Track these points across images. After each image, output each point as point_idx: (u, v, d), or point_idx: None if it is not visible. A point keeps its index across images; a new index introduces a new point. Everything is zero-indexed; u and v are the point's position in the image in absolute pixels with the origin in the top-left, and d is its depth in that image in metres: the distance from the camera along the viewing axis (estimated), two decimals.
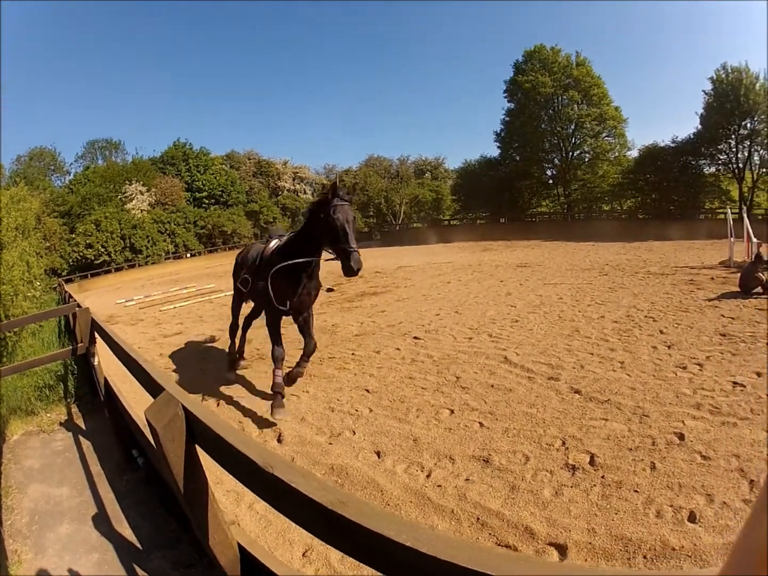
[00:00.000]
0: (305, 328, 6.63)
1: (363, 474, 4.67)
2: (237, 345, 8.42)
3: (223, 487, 4.33)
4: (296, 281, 6.00)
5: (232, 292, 8.42)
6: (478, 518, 3.87)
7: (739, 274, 12.72)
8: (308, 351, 6.59)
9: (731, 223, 17.50)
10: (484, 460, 4.72)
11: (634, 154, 45.89)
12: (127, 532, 3.66)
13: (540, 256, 25.21)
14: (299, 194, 61.23)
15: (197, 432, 2.25)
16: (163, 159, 56.50)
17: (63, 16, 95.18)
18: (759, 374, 6.47)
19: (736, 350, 7.54)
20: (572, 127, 46.59)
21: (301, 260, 5.78)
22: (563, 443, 4.94)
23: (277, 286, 6.00)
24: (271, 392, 6.18)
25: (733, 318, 9.59)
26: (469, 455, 4.85)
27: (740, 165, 39.80)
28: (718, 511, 3.72)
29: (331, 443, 5.37)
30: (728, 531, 3.50)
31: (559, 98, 46.58)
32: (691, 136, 41.38)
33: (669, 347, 7.86)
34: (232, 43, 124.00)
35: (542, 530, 3.65)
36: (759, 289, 11.79)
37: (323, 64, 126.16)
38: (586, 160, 47.36)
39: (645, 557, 3.32)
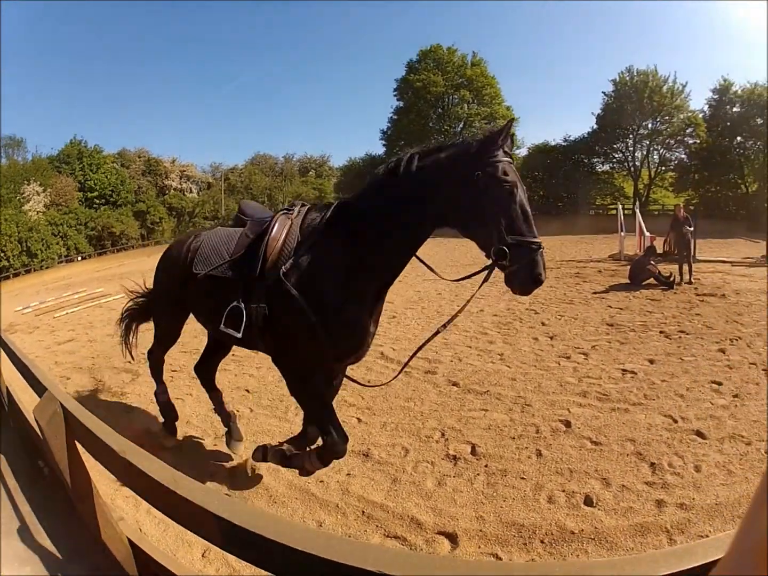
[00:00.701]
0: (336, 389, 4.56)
1: (248, 473, 4.65)
2: (214, 397, 5.48)
3: (122, 493, 4.24)
4: (376, 304, 3.87)
5: (154, 308, 5.47)
6: (363, 511, 3.91)
7: (629, 267, 13.80)
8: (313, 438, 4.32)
9: (622, 217, 18.94)
10: (364, 455, 4.75)
11: (523, 152, 48.36)
12: (47, 543, 3.58)
13: (421, 253, 25.47)
14: (185, 193, 60.71)
15: (73, 427, 2.59)
16: (59, 157, 54.76)
17: None
18: (652, 361, 6.94)
19: (625, 339, 8.07)
20: (461, 125, 48.54)
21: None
22: (443, 435, 5.09)
23: (345, 316, 3.48)
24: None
25: (621, 308, 10.31)
26: (348, 450, 4.83)
27: (636, 163, 44.10)
28: (617, 494, 3.94)
29: (215, 444, 5.31)
30: (633, 513, 3.71)
31: (450, 97, 48.79)
32: (585, 135, 45.20)
33: (551, 338, 8.30)
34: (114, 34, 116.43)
35: (429, 520, 3.71)
36: (651, 280, 12.81)
37: (207, 58, 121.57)
38: None
39: (542, 542, 3.43)
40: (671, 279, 12.82)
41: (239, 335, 3.55)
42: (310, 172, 65.82)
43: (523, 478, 4.23)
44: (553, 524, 3.60)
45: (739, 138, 43.19)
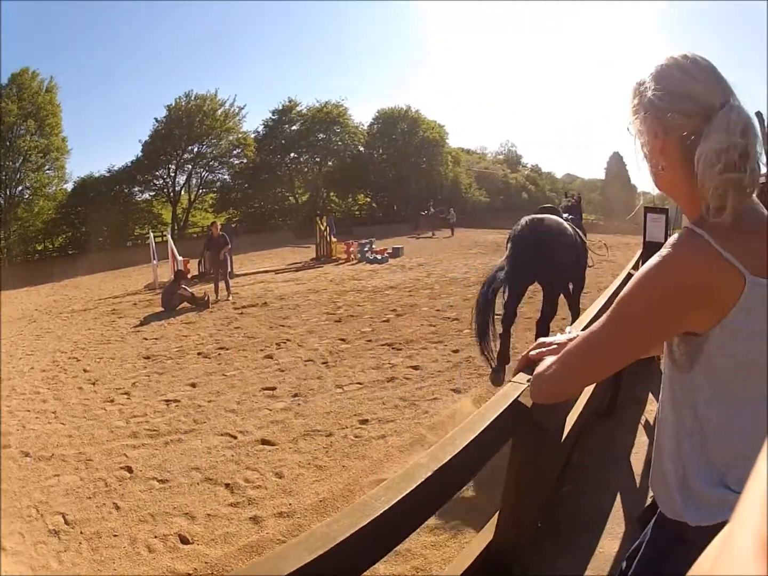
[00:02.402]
0: None
1: None
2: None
3: None
4: None
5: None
6: None
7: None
8: None
9: (153, 245, 18.87)
10: None
11: (71, 186, 44.59)
12: None
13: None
14: None
15: None
16: None
17: None
18: (194, 385, 7.16)
19: (162, 369, 8.17)
20: (20, 160, 42.28)
21: None
22: (37, 510, 4.67)
23: None
24: None
25: (156, 338, 10.36)
26: None
27: (176, 188, 43.81)
28: (207, 525, 4.00)
29: None
30: (234, 537, 3.81)
31: (18, 128, 41.87)
32: (129, 164, 43.03)
33: (94, 384, 7.96)
34: None
35: None
36: (186, 304, 13.06)
37: None
38: (26, 197, 43.73)
39: None
40: (206, 299, 13.17)
41: None
42: None
43: (116, 536, 4.07)
44: (167, 572, 3.58)
45: (293, 154, 47.15)
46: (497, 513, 2.53)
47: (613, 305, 1.25)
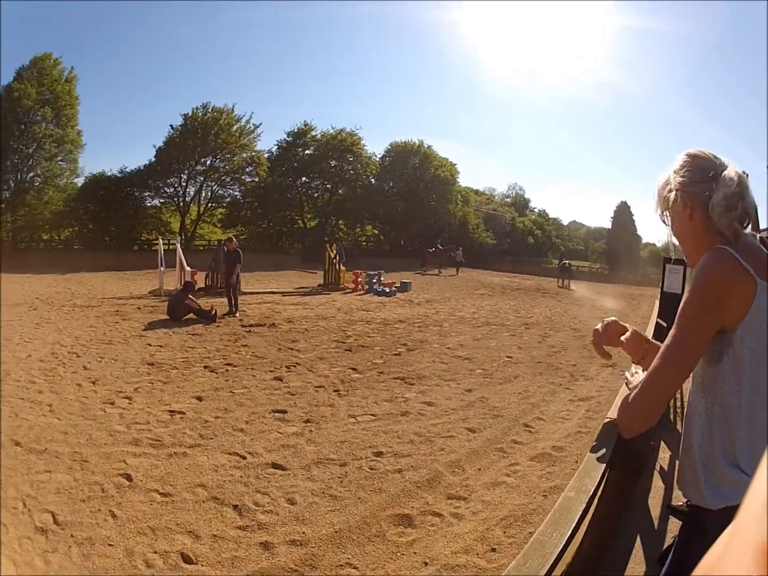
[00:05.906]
0: None
1: None
2: None
3: None
4: None
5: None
6: None
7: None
8: None
9: (162, 252, 18.61)
10: None
11: (81, 181, 43.70)
12: None
13: None
14: None
15: None
16: None
17: None
18: (200, 398, 6.83)
19: (167, 378, 7.83)
20: (34, 146, 41.44)
21: None
22: (24, 504, 4.33)
23: None
24: None
25: (161, 346, 10.01)
26: None
27: (186, 199, 43.55)
28: (213, 546, 3.75)
29: None
30: (242, 562, 3.58)
31: (35, 113, 41.24)
32: (141, 168, 42.70)
33: (94, 383, 7.65)
34: None
35: None
36: (191, 315, 12.80)
37: None
38: (37, 184, 43.15)
39: None
40: (213, 313, 12.94)
41: None
42: None
43: (111, 545, 3.76)
44: None
45: (305, 178, 47.22)
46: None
47: (676, 320, 1.57)
